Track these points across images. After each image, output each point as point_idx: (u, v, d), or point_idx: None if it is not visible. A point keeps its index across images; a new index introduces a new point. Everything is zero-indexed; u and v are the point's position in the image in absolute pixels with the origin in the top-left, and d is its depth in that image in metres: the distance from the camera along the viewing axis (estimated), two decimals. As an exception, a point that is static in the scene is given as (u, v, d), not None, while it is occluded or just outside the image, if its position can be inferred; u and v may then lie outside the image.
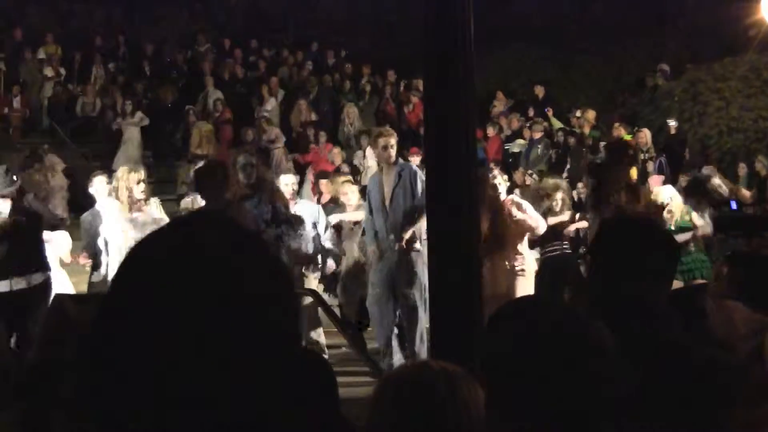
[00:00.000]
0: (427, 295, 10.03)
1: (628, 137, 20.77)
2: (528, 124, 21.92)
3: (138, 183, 9.98)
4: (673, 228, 11.54)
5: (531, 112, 23.31)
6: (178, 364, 1.35)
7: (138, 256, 1.45)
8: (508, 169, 19.04)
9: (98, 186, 10.79)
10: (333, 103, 24.55)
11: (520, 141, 21.60)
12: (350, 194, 12.41)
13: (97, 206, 10.41)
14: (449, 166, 5.11)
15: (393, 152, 10.52)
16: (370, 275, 10.81)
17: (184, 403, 1.35)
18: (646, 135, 19.72)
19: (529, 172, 19.10)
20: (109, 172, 21.10)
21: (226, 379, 1.36)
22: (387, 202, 10.45)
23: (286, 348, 1.43)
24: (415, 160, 17.36)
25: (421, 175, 10.22)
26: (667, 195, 12.08)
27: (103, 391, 1.39)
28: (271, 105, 23.73)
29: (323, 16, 29.70)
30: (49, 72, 24.94)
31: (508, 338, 2.19)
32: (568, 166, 20.24)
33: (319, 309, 10.97)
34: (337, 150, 20.43)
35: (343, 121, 23.29)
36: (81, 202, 19.28)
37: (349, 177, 13.86)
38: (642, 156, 18.68)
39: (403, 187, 10.37)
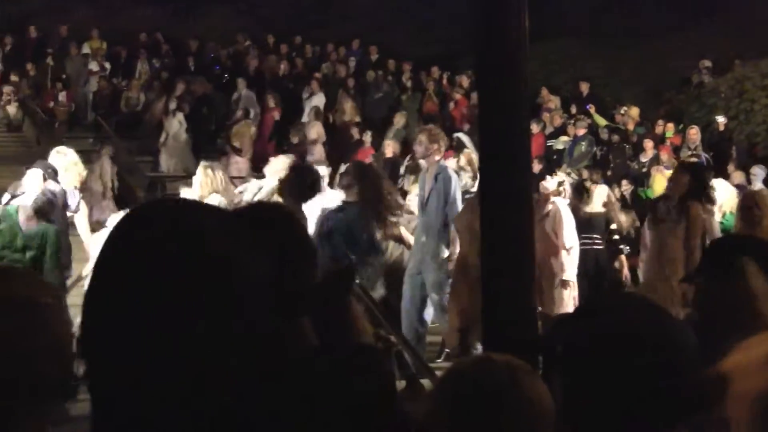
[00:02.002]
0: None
1: (669, 135, 20.64)
2: (572, 121, 21.78)
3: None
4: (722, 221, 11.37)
5: (573, 109, 23.17)
6: (170, 351, 1.33)
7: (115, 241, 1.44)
8: (550, 165, 18.94)
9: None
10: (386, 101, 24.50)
11: (564, 138, 21.46)
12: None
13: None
14: (504, 167, 5.07)
15: (437, 153, 10.57)
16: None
17: (178, 393, 1.33)
18: (696, 132, 19.57)
19: (567, 171, 18.96)
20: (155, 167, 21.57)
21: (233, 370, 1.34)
22: (423, 203, 10.53)
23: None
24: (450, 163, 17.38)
25: (456, 180, 10.42)
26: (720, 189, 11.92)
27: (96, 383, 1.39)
28: (315, 101, 23.66)
29: (365, 12, 29.69)
30: (94, 67, 25.14)
31: (592, 334, 2.15)
32: (611, 164, 20.13)
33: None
34: (389, 141, 20.19)
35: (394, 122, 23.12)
36: (125, 196, 19.57)
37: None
38: (688, 153, 18.55)
39: (437, 190, 10.38)
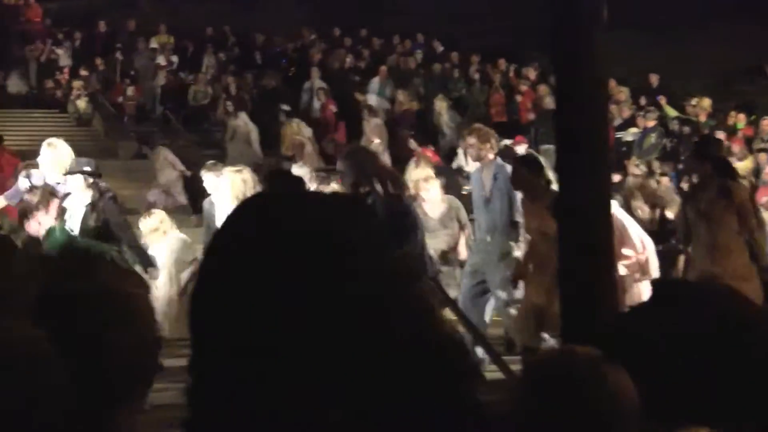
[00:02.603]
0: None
1: (741, 126, 20.37)
2: (641, 113, 21.58)
3: (244, 181, 9.99)
4: None
5: (642, 101, 22.95)
6: (276, 339, 1.34)
7: (229, 230, 1.45)
8: (619, 158, 18.78)
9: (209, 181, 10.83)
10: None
11: (633, 129, 21.26)
12: (431, 188, 12.11)
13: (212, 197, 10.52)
14: (582, 163, 5.02)
15: (483, 153, 10.50)
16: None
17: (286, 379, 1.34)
18: (768, 124, 19.37)
19: (636, 162, 18.76)
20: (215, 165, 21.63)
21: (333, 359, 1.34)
22: (485, 202, 10.47)
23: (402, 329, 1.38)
24: (520, 149, 17.28)
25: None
26: None
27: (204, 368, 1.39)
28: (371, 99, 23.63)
29: (429, 3, 29.64)
30: (161, 61, 25.35)
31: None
32: (682, 156, 19.90)
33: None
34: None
35: (434, 113, 23.08)
36: (192, 188, 19.69)
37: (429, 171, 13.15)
38: (761, 144, 18.31)
39: (499, 189, 10.32)
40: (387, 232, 1.44)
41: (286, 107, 23.02)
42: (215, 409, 1.37)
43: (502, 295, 10.37)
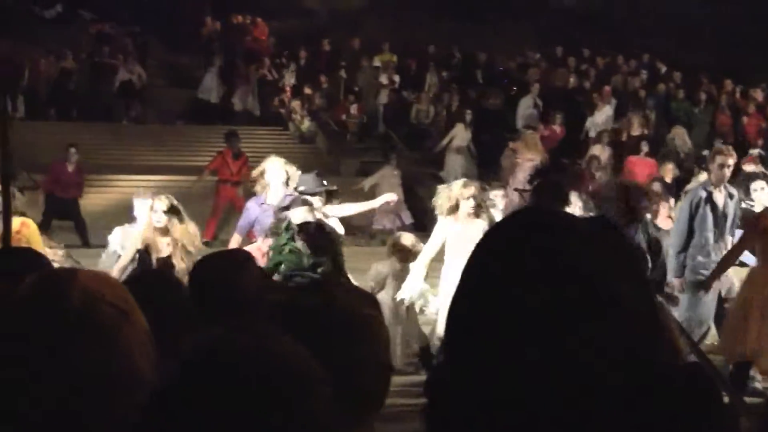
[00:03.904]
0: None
1: None
2: None
3: (468, 199, 9.94)
4: None
5: None
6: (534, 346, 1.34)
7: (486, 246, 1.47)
8: None
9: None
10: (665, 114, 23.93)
11: None
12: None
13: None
14: None
15: (728, 173, 10.43)
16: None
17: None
18: None
19: None
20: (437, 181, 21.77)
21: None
22: (725, 222, 10.38)
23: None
24: (749, 168, 16.79)
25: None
26: None
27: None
28: (604, 115, 23.29)
29: (655, 25, 29.15)
30: (384, 80, 25.64)
31: None
32: None
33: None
34: (670, 166, 19.64)
35: (672, 140, 22.47)
36: (414, 207, 19.90)
37: None
38: None
39: (734, 209, 10.39)
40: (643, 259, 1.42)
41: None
42: None
43: None
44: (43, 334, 1.71)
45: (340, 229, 9.93)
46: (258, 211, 10.19)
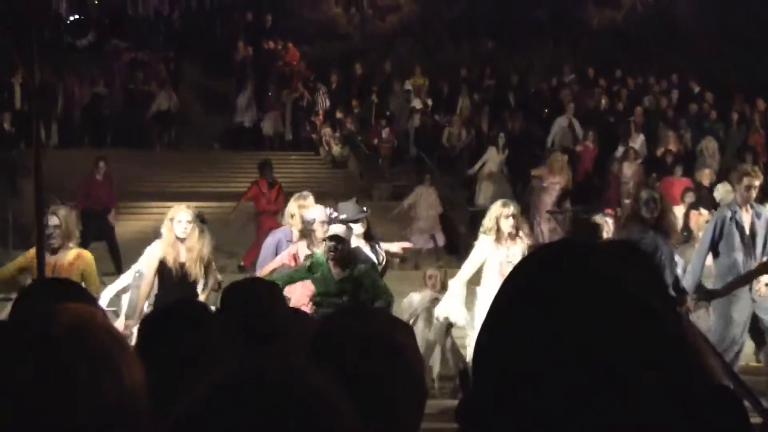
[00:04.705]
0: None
1: None
2: None
3: (507, 218, 9.92)
4: None
5: None
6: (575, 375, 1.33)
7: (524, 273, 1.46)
8: None
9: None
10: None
11: None
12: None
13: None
14: None
15: (754, 193, 10.36)
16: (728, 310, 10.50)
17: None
18: None
19: None
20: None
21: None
22: (753, 242, 10.30)
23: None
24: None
25: None
26: None
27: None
28: (638, 143, 23.12)
29: (685, 43, 29.09)
30: (417, 104, 25.62)
31: None
32: None
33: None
34: (707, 171, 19.45)
35: (702, 153, 22.36)
36: (446, 230, 19.90)
37: None
38: None
39: (765, 229, 10.25)
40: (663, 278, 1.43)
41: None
42: None
43: None
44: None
45: (377, 256, 9.90)
46: (282, 244, 10.22)
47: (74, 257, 8.78)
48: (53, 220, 8.73)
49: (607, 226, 10.57)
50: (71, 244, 8.86)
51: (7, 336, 1.68)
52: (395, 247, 11.02)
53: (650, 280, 1.41)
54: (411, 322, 10.27)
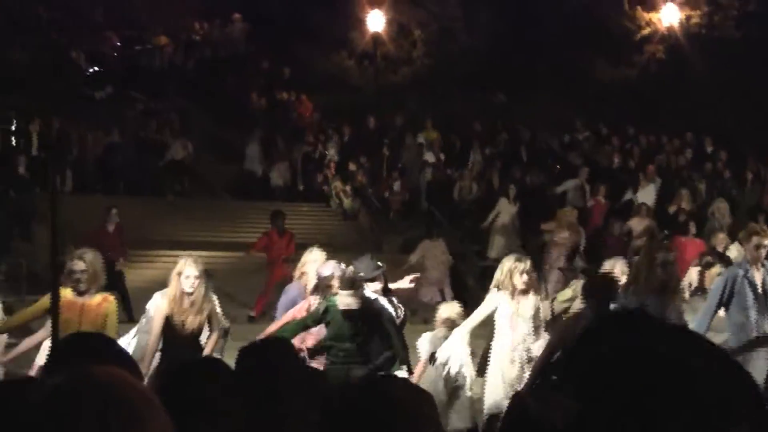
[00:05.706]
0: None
1: None
2: None
3: (522, 273, 9.90)
4: None
5: None
6: None
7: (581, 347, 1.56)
8: None
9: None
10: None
11: None
12: None
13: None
14: None
15: (764, 253, 10.27)
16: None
17: None
18: None
19: None
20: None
21: None
22: (765, 300, 10.27)
23: None
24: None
25: None
26: None
27: None
28: (647, 194, 23.13)
29: (698, 104, 29.12)
30: (429, 158, 25.63)
31: None
32: None
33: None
34: (722, 236, 19.37)
35: (713, 215, 22.26)
36: (455, 283, 19.80)
37: None
38: None
39: None
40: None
41: None
42: None
43: None
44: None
45: (395, 309, 9.86)
46: (296, 296, 10.25)
47: (101, 299, 8.85)
48: (79, 265, 8.74)
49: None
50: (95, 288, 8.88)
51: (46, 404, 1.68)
52: (405, 283, 11.00)
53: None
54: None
